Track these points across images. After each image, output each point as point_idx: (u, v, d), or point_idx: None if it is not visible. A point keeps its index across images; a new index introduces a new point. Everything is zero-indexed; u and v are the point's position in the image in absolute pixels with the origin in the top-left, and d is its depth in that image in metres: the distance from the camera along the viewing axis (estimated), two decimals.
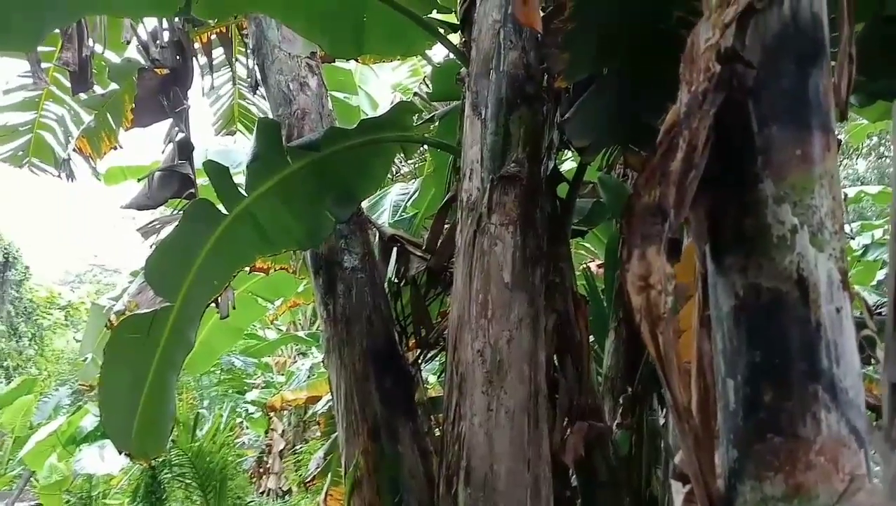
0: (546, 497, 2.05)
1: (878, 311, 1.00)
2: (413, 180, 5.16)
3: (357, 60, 4.95)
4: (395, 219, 4.25)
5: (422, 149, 4.97)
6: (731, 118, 0.88)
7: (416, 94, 4.85)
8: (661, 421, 2.87)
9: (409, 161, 6.12)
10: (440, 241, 2.99)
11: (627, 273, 0.90)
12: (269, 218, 2.95)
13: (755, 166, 0.84)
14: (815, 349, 0.75)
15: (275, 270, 5.20)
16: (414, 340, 3.10)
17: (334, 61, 4.35)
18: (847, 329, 0.78)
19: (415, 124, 3.39)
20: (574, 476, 2.45)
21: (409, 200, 4.32)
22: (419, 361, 3.10)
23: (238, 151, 5.08)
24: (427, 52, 4.11)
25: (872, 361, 0.89)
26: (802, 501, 0.72)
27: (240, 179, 2.95)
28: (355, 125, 3.07)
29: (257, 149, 2.95)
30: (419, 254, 3.12)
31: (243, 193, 2.87)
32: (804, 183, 0.81)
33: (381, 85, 6.46)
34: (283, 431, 10.68)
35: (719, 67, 0.89)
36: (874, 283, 6.46)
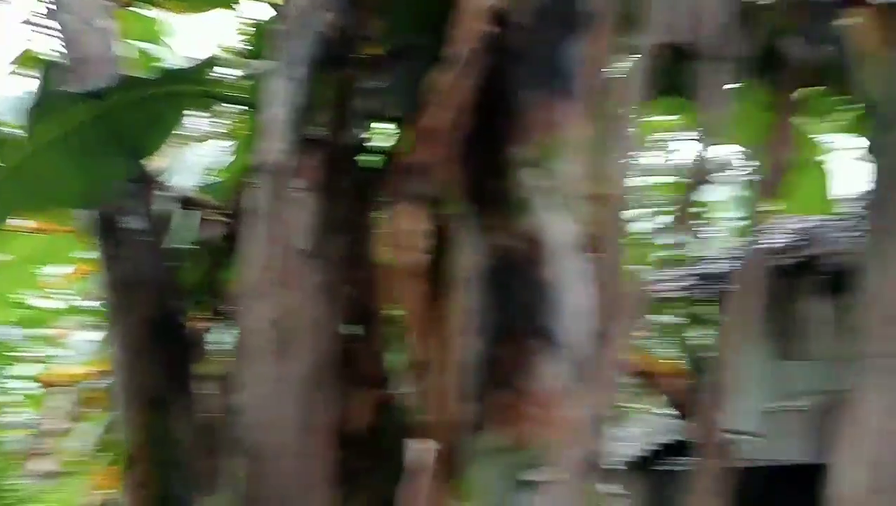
0: (330, 466, 2.02)
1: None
2: (225, 142, 4.85)
3: (165, 8, 4.54)
4: (206, 183, 3.96)
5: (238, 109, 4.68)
6: (494, 80, 0.90)
7: (233, 51, 4.56)
8: None
9: (222, 120, 5.77)
10: (240, 205, 2.83)
11: (384, 230, 0.89)
12: (45, 170, 2.62)
13: (507, 129, 0.86)
14: (539, 307, 0.79)
15: (54, 233, 4.59)
16: (203, 310, 2.92)
17: (132, 5, 3.95)
18: (577, 290, 0.82)
19: (229, 83, 3.19)
20: (359, 445, 2.44)
21: (214, 162, 4.05)
22: (207, 330, 2.93)
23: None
24: (246, 7, 3.86)
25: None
26: (522, 450, 0.75)
27: None
28: (152, 75, 2.82)
29: (39, 94, 2.66)
30: (216, 218, 2.94)
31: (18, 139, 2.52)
32: (548, 147, 0.84)
33: (194, 39, 6.00)
34: (60, 408, 9.68)
35: (487, 28, 0.90)
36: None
